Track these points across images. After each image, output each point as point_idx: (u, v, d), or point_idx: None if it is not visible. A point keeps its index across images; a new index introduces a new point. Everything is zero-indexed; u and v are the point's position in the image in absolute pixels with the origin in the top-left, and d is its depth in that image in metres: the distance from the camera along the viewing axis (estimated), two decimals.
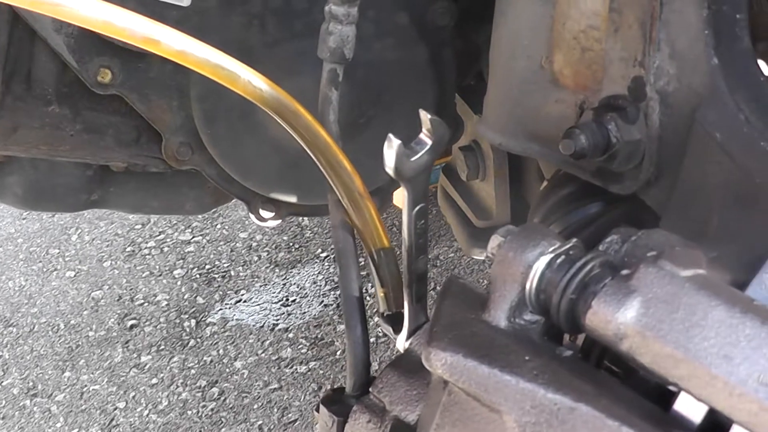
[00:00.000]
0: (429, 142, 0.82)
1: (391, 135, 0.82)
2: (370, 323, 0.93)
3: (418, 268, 0.89)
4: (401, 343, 0.90)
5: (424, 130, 0.83)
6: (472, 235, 1.60)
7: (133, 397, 2.37)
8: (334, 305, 2.61)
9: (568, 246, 0.73)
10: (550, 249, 0.73)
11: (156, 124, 1.37)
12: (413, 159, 0.83)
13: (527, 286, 0.73)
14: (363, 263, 0.95)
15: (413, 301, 0.90)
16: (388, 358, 2.38)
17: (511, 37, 1.11)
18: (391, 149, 0.81)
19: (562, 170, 1.18)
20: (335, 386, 2.26)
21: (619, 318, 0.67)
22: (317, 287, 2.71)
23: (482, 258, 1.78)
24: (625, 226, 0.77)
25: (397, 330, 0.92)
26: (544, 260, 0.73)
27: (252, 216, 1.48)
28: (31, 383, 2.43)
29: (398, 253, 0.92)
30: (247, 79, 0.84)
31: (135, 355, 2.51)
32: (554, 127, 1.03)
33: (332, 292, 2.67)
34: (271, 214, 1.47)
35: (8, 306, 2.71)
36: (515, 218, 1.54)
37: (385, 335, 2.36)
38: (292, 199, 1.44)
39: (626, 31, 0.95)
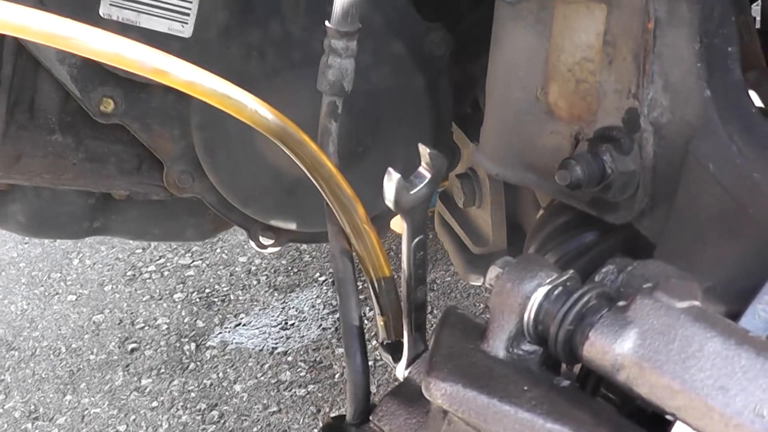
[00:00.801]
0: (428, 175, 0.83)
1: (390, 169, 0.82)
2: (369, 347, 0.93)
3: (418, 298, 0.89)
4: (401, 371, 0.90)
5: (423, 163, 0.83)
6: (469, 261, 1.60)
7: (134, 420, 2.36)
8: (333, 329, 2.61)
9: (565, 277, 0.73)
10: (548, 280, 0.73)
11: (157, 152, 1.37)
12: (413, 192, 0.83)
13: (525, 317, 0.73)
14: (362, 288, 0.95)
15: (412, 330, 0.90)
16: (386, 381, 2.37)
17: (507, 68, 1.11)
18: (390, 183, 0.81)
19: (557, 199, 1.19)
20: (335, 412, 2.26)
21: (616, 349, 0.67)
22: (315, 311, 2.70)
23: (479, 283, 1.78)
24: (620, 256, 0.77)
25: (397, 358, 0.91)
26: (541, 291, 0.73)
27: (252, 243, 1.47)
28: (32, 406, 2.41)
29: (397, 278, 0.92)
30: (253, 108, 0.85)
31: (135, 379, 2.49)
32: (550, 158, 1.04)
33: (330, 316, 2.66)
34: (271, 241, 1.47)
35: (10, 330, 2.70)
36: (511, 245, 1.54)
37: (383, 360, 2.36)
38: (292, 226, 1.44)
39: (620, 64, 0.96)
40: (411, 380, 0.87)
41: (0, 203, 1.48)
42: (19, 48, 1.29)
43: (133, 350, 2.60)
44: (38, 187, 1.46)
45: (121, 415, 2.37)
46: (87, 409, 2.40)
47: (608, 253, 0.99)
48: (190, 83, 0.80)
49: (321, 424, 1.91)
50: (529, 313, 0.73)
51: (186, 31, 1.27)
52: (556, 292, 0.73)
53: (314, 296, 2.76)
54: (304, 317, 2.67)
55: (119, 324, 2.70)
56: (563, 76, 1.03)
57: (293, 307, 2.72)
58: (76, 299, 2.82)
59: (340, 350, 2.50)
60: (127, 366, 2.54)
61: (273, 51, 1.33)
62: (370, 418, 0.86)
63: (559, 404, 0.69)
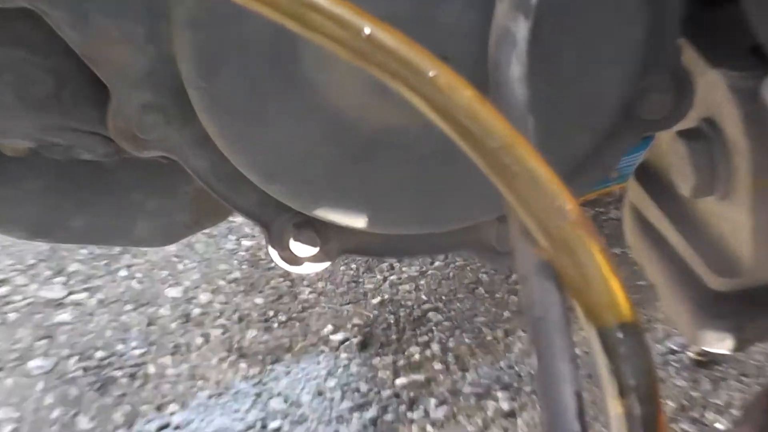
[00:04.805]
0: None
1: None
2: None
3: None
4: None
5: None
6: (702, 306, 1.61)
7: None
8: None
9: None
10: None
11: (99, 68, 1.42)
12: None
13: None
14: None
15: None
16: None
17: None
18: None
19: None
20: None
21: None
22: (325, 404, 2.73)
23: (725, 350, 1.79)
24: None
25: None
26: None
27: (273, 252, 1.53)
28: None
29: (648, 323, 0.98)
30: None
31: None
32: None
33: (357, 415, 2.69)
34: (314, 250, 1.54)
35: None
36: None
37: None
38: (358, 222, 1.51)
39: None
40: None
41: None
42: None
43: None
44: None
45: None
46: None
47: None
48: None
49: None
50: None
51: None
52: None
53: (322, 372, 2.79)
54: (302, 415, 2.70)
55: None
56: None
57: (278, 393, 2.76)
58: None
59: None
60: None
61: None
62: None
63: None
